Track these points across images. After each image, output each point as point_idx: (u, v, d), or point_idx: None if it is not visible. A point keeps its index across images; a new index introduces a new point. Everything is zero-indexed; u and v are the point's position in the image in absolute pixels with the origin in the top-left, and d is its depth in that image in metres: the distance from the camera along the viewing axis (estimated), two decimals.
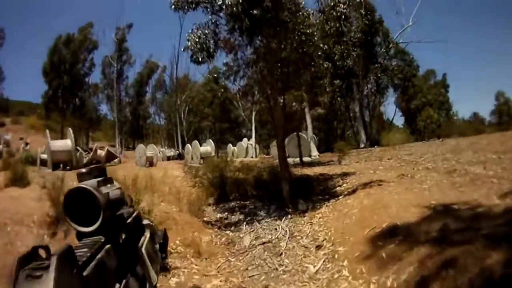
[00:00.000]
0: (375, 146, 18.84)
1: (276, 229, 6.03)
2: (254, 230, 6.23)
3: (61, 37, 33.51)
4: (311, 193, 7.87)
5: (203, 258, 4.96)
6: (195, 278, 4.36)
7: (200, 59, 7.87)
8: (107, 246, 0.53)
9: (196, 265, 4.74)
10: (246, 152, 24.25)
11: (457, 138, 15.15)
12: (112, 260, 0.53)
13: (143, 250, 0.70)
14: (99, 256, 0.49)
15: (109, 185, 0.63)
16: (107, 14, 76.76)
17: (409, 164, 8.84)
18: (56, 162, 15.95)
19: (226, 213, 7.78)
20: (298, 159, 14.16)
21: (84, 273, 0.42)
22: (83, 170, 0.59)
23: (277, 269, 4.45)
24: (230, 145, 25.78)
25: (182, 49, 8.14)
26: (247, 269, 4.63)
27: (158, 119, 46.40)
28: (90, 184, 0.56)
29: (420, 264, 3.06)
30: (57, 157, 15.92)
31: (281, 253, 4.85)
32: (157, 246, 0.82)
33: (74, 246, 0.47)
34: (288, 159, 16.81)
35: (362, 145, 21.73)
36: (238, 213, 7.65)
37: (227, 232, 6.39)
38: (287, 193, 7.02)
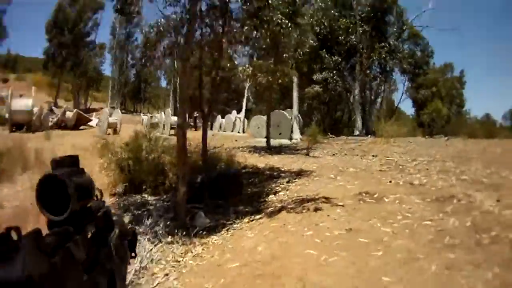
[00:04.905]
0: (369, 136, 16.87)
1: (135, 260, 3.90)
2: None
3: None
4: (235, 198, 5.68)
5: None
6: None
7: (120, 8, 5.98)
8: (76, 237, 0.51)
9: None
10: (233, 126, 21.48)
11: (465, 140, 12.53)
12: (80, 252, 0.51)
13: (112, 246, 0.66)
14: (68, 245, 0.47)
15: (80, 175, 0.58)
16: None
17: (392, 170, 6.46)
18: (16, 123, 14.55)
19: (117, 212, 5.70)
20: (265, 140, 11.85)
21: (52, 260, 0.40)
22: (57, 158, 0.57)
23: None
24: (219, 116, 22.51)
25: None
26: None
27: (163, 84, 45.23)
28: (61, 172, 0.53)
29: None
30: (16, 118, 14.50)
31: None
32: (126, 243, 0.78)
33: (44, 235, 0.45)
34: (256, 139, 14.42)
35: (357, 133, 19.74)
36: (129, 215, 5.59)
37: None
38: (182, 200, 4.75)
